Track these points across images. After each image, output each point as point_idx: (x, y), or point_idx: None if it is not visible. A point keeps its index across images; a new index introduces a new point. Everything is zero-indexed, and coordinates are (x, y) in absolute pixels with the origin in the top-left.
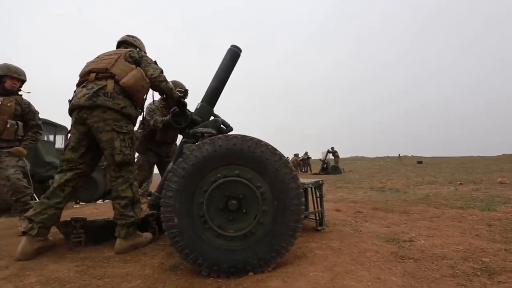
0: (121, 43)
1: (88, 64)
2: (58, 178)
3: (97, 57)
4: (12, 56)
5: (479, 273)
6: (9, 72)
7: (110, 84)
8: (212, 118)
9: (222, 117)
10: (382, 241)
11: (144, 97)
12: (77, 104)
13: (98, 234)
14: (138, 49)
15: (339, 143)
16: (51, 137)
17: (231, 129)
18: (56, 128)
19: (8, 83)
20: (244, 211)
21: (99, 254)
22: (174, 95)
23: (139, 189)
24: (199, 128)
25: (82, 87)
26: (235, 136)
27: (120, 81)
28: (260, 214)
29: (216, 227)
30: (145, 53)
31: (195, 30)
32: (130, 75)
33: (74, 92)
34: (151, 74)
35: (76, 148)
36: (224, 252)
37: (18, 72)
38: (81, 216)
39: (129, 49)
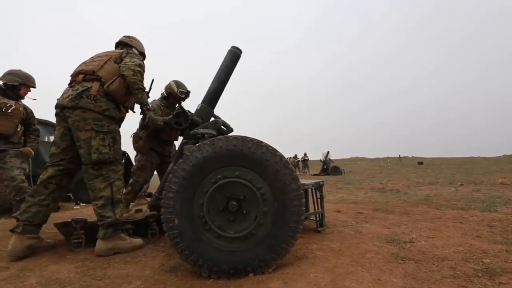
0: (118, 44)
1: (80, 65)
2: (41, 176)
3: (91, 57)
4: (11, 55)
5: (480, 274)
6: (28, 81)
7: (95, 86)
8: (212, 119)
9: (222, 118)
10: (383, 242)
11: (131, 99)
12: (61, 104)
13: None
14: (132, 49)
15: (338, 144)
16: (52, 138)
17: (232, 130)
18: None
19: (23, 91)
20: (245, 212)
21: None
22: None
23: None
24: (199, 129)
25: (70, 87)
26: (235, 137)
27: (105, 85)
28: (260, 215)
29: (216, 228)
30: (142, 52)
31: (190, 32)
32: (116, 80)
33: (63, 91)
34: (121, 69)
35: (59, 143)
36: (225, 253)
37: (34, 82)
38: (82, 217)
39: (121, 51)
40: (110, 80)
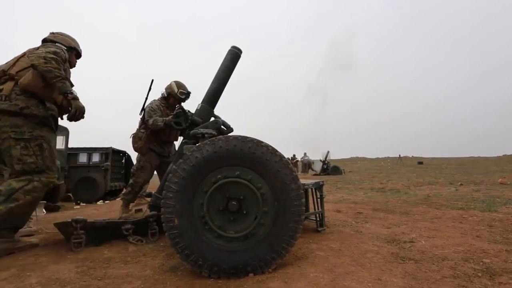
0: (43, 42)
1: None
2: None
3: None
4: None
5: (480, 274)
6: None
7: (7, 86)
8: (212, 119)
9: (223, 118)
10: (383, 242)
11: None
12: None
13: (98, 235)
14: (56, 44)
15: (338, 143)
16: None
17: (232, 130)
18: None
19: None
20: (245, 212)
21: (99, 255)
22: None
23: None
24: (199, 129)
25: None
26: (236, 137)
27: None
28: (260, 215)
29: (216, 228)
30: (71, 47)
31: (189, 30)
32: (27, 74)
33: None
34: (30, 59)
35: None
36: (225, 253)
37: None
38: (82, 217)
39: (38, 46)
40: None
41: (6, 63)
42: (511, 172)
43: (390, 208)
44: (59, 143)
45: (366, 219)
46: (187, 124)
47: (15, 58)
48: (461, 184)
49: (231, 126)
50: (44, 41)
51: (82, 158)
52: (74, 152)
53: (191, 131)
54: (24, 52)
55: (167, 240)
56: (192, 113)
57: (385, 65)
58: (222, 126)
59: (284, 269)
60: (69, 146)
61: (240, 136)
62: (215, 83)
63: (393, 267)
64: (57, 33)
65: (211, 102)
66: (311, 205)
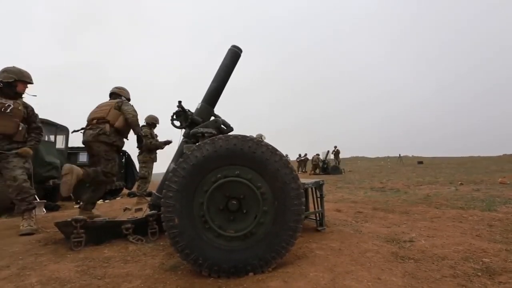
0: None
1: None
2: None
3: None
4: (12, 56)
5: (479, 274)
6: (22, 77)
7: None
8: (212, 118)
9: (223, 117)
10: (383, 242)
11: None
12: None
13: (98, 234)
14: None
15: (338, 143)
16: (52, 137)
17: (232, 129)
18: (56, 128)
19: (20, 87)
20: (245, 211)
21: (99, 254)
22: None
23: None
24: (199, 128)
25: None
26: (236, 137)
27: None
28: (260, 214)
29: (216, 227)
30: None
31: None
32: (120, 120)
33: None
34: (127, 117)
35: None
36: (225, 252)
37: (30, 77)
38: (82, 217)
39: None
40: None
41: (97, 111)
42: (511, 172)
43: (390, 208)
44: (59, 143)
45: (366, 219)
46: (186, 123)
47: (103, 108)
48: (461, 184)
49: (231, 125)
50: (113, 94)
51: (82, 158)
52: (74, 152)
53: (191, 130)
54: (110, 104)
55: (167, 239)
56: (192, 112)
57: (384, 65)
58: (222, 125)
59: (284, 268)
60: (69, 145)
61: (240, 135)
62: (215, 82)
63: (393, 266)
64: (120, 88)
65: (211, 101)
66: (311, 205)
